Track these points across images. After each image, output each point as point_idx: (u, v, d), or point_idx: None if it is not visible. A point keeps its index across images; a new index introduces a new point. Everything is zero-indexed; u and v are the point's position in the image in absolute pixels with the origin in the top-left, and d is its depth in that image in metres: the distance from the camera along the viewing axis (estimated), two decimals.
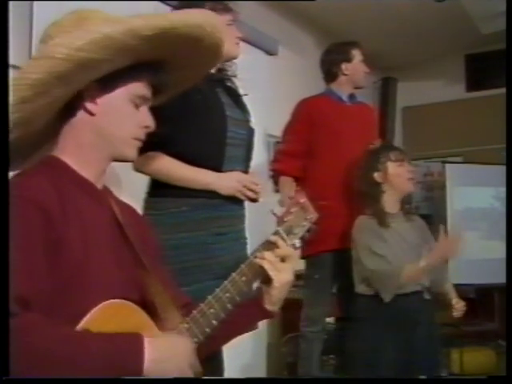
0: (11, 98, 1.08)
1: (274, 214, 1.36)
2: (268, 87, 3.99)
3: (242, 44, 3.63)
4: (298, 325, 3.12)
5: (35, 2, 2.57)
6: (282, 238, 1.33)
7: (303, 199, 1.40)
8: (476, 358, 4.51)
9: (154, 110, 1.95)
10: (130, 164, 2.07)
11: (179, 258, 1.95)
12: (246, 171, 2.16)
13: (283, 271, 1.31)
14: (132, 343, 1.07)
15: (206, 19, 1.29)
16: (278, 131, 3.40)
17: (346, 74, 3.14)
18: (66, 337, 1.04)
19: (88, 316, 1.08)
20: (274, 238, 1.33)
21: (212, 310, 1.28)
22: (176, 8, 2.16)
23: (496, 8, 4.81)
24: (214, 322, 1.27)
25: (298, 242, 1.35)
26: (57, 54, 1.07)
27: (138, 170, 2.01)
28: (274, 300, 1.34)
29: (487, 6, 4.77)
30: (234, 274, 1.32)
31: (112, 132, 1.23)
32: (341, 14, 4.70)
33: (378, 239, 2.55)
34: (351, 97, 3.19)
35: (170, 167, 1.98)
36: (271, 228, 3.62)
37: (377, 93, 6.13)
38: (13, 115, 1.10)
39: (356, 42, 3.21)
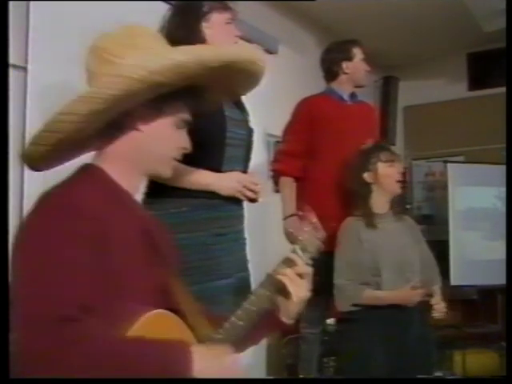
0: (79, 108, 1.15)
1: (290, 233, 1.59)
2: (268, 86, 3.93)
3: (241, 43, 3.63)
4: (297, 326, 3.09)
5: (32, 2, 2.53)
6: (299, 256, 1.40)
7: (315, 219, 1.49)
8: (479, 360, 4.48)
9: None
10: None
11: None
12: (245, 171, 2.14)
13: (301, 287, 1.39)
14: (182, 351, 1.12)
15: (261, 56, 1.43)
16: (277, 131, 3.36)
17: (346, 73, 3.11)
18: (124, 342, 1.09)
19: (136, 324, 1.12)
20: (292, 256, 1.40)
21: (241, 323, 1.33)
22: (174, 7, 2.14)
23: (498, 6, 4.77)
24: (242, 333, 1.33)
25: (310, 260, 1.43)
26: (134, 75, 1.15)
27: None
28: (290, 314, 1.42)
29: (489, 4, 4.73)
30: (258, 288, 1.38)
31: (154, 150, 1.30)
32: (342, 13, 4.66)
33: (357, 248, 2.57)
34: (352, 96, 3.16)
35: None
36: (270, 228, 3.59)
37: (378, 92, 6.10)
38: (74, 124, 1.17)
39: (356, 41, 3.18)
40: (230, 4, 2.19)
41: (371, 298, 2.50)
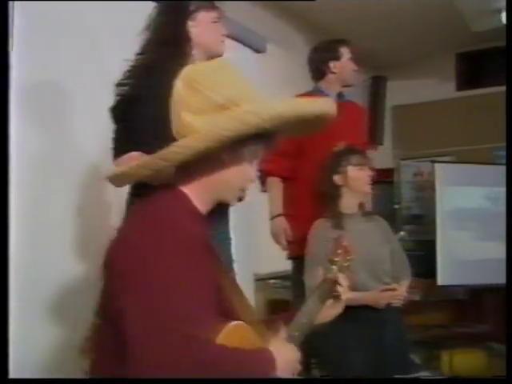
0: (197, 145, 1.30)
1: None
2: (256, 85, 3.94)
3: (229, 41, 3.61)
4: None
5: (16, 2, 2.50)
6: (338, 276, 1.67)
7: (345, 242, 1.75)
8: (466, 360, 4.49)
9: (134, 110, 1.92)
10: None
11: None
12: None
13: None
14: (268, 358, 1.33)
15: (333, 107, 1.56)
16: None
17: (334, 72, 3.10)
18: (223, 350, 1.25)
19: (221, 334, 1.27)
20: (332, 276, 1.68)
21: (305, 320, 1.55)
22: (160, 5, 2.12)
23: (487, 6, 4.79)
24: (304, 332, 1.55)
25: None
26: (251, 122, 1.29)
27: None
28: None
29: (478, 4, 4.74)
30: (316, 291, 1.63)
31: (230, 181, 1.43)
32: (330, 12, 4.66)
33: (325, 249, 2.58)
34: (340, 95, 3.14)
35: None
36: (257, 228, 3.57)
37: (366, 91, 6.11)
38: (186, 156, 1.32)
39: (344, 40, 3.17)
40: (217, 3, 2.19)
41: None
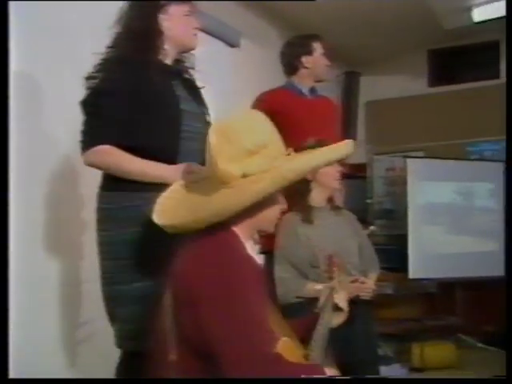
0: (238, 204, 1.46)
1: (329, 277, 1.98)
2: (230, 79, 3.94)
3: (203, 35, 3.59)
4: None
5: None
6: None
7: (335, 259, 2.04)
8: (437, 352, 4.55)
9: (104, 103, 1.90)
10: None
11: (131, 254, 1.93)
12: (202, 164, 2.10)
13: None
14: (321, 371, 1.49)
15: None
16: None
17: (306, 67, 3.11)
18: (295, 366, 1.45)
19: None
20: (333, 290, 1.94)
21: (325, 331, 1.81)
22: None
23: (458, 4, 4.85)
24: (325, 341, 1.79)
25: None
26: (288, 176, 1.50)
27: (89, 164, 1.97)
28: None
29: (450, 2, 4.79)
30: (327, 304, 1.90)
31: (272, 215, 1.64)
32: (304, 8, 4.66)
33: (294, 243, 2.65)
34: (312, 90, 3.16)
35: (120, 160, 1.94)
36: None
37: (340, 87, 6.13)
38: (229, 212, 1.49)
39: (317, 35, 3.18)
40: None
41: (312, 291, 2.53)
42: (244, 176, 1.47)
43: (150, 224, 1.94)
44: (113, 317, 2.00)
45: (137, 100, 1.94)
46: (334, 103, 3.42)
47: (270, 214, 1.62)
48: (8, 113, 1.34)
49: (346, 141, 1.72)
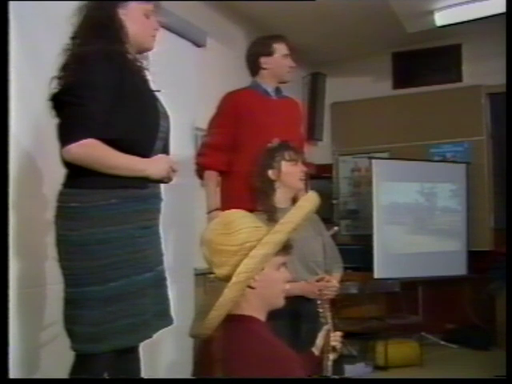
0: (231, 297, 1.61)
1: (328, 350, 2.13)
2: (196, 79, 3.92)
3: (169, 35, 3.58)
4: None
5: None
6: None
7: (331, 334, 2.18)
8: (400, 350, 4.62)
9: (89, 94, 1.87)
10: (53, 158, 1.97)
11: (106, 253, 1.90)
12: None
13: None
14: None
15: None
16: (205, 124, 3.33)
17: (265, 68, 3.10)
18: None
19: None
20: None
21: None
22: None
23: (421, 8, 4.93)
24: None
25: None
26: (281, 239, 1.67)
27: (71, 158, 1.89)
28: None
29: (413, 6, 4.86)
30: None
31: (278, 290, 1.78)
32: (270, 8, 4.68)
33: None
34: (277, 91, 3.15)
35: (106, 154, 1.90)
36: (195, 222, 3.52)
37: (306, 88, 6.17)
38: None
39: (280, 36, 3.14)
40: None
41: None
42: (231, 275, 1.61)
43: (129, 222, 1.95)
44: (73, 319, 1.92)
45: (120, 97, 1.92)
46: (298, 104, 3.42)
47: (275, 292, 1.76)
48: (8, 113, 1.30)
49: (310, 194, 1.82)
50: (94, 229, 1.89)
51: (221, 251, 1.64)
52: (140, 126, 1.98)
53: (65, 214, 1.94)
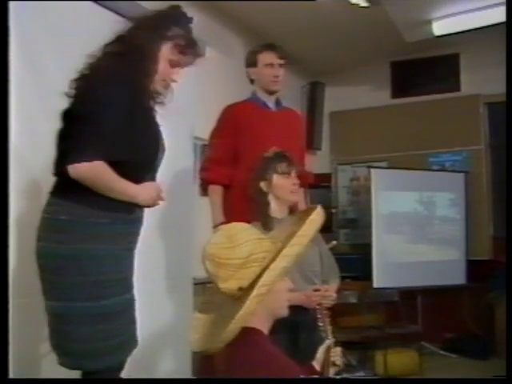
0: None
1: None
2: (195, 89, 3.93)
3: None
4: None
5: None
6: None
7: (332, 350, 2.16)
8: (399, 360, 4.60)
9: (108, 118, 1.87)
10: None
11: (98, 270, 1.89)
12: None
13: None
14: None
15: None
16: (204, 133, 3.34)
17: (252, 79, 3.12)
18: None
19: None
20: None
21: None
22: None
23: (419, 17, 4.95)
24: None
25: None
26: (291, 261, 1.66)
27: (78, 177, 1.86)
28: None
29: (411, 16, 4.89)
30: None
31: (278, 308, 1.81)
32: (270, 17, 4.69)
33: None
34: (277, 102, 3.15)
35: (109, 178, 1.89)
36: (196, 232, 3.50)
37: (305, 97, 6.18)
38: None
39: (267, 46, 3.12)
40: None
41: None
42: (240, 288, 1.63)
43: (116, 243, 1.96)
44: (61, 335, 1.90)
45: (127, 117, 1.91)
46: (299, 116, 3.42)
47: (279, 301, 1.78)
48: (8, 113, 1.29)
49: (319, 208, 1.80)
50: (84, 244, 1.88)
51: (226, 265, 1.64)
52: (141, 153, 1.98)
53: (53, 225, 1.91)
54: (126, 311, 1.98)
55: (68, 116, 1.95)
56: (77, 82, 1.96)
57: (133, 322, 2.03)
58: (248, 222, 1.83)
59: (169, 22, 2.08)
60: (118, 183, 1.92)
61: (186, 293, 3.69)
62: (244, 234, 1.69)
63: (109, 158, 1.88)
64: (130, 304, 2.02)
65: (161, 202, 2.10)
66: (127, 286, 2.01)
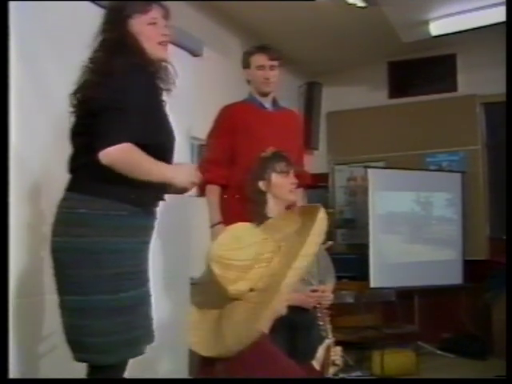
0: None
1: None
2: (192, 89, 3.93)
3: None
4: None
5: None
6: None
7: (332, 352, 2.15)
8: (396, 359, 4.61)
9: (130, 102, 1.89)
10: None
11: (116, 263, 1.91)
12: None
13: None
14: None
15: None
16: (202, 133, 3.35)
17: (248, 80, 3.14)
18: None
19: None
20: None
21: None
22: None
23: (416, 18, 4.96)
24: None
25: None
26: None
27: (110, 162, 1.87)
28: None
29: (408, 16, 4.89)
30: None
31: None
32: (266, 17, 4.69)
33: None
34: (274, 103, 3.15)
35: (141, 160, 1.91)
36: (192, 232, 3.51)
37: (302, 97, 6.17)
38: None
39: (260, 47, 3.13)
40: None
41: None
42: (252, 289, 1.61)
43: (135, 236, 1.97)
44: (79, 329, 1.89)
45: (147, 100, 1.95)
46: (297, 115, 3.42)
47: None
48: (8, 113, 1.29)
49: (322, 208, 1.78)
50: (103, 237, 1.89)
51: (235, 266, 1.62)
52: (163, 136, 2.02)
53: (71, 219, 1.92)
54: (142, 305, 2.00)
55: (83, 111, 1.97)
56: (86, 76, 1.98)
57: (149, 316, 2.04)
58: (245, 222, 1.82)
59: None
60: (152, 165, 1.93)
61: (184, 292, 3.69)
62: (250, 234, 1.69)
63: (138, 141, 1.89)
64: (146, 298, 2.03)
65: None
66: (144, 280, 2.03)
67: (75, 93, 2.00)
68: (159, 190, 2.05)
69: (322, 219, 1.73)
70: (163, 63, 2.12)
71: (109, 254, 1.89)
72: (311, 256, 1.64)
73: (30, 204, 2.70)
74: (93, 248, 1.88)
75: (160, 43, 2.09)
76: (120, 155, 1.86)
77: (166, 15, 2.13)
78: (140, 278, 2.00)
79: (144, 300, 2.02)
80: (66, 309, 1.93)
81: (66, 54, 2.64)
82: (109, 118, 1.87)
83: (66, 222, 1.93)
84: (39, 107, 2.65)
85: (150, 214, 2.06)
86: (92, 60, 2.01)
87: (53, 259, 1.96)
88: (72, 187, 1.98)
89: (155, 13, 2.09)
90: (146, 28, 2.06)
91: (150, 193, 2.00)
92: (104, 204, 1.91)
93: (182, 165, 2.09)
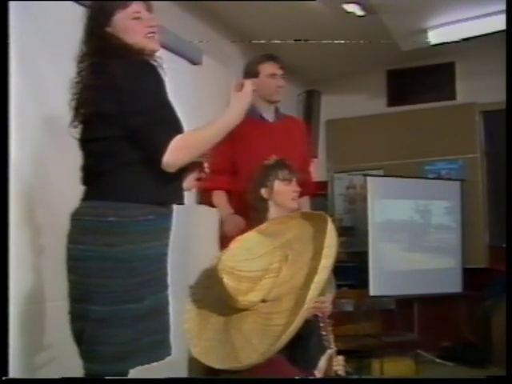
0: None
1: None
2: (191, 97, 3.93)
3: (165, 52, 3.58)
4: None
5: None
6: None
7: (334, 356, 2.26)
8: (396, 368, 4.60)
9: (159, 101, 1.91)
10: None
11: (145, 270, 1.87)
12: None
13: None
14: None
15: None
16: None
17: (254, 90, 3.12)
18: None
19: None
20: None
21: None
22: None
23: (415, 26, 4.97)
24: None
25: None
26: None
27: (180, 161, 1.88)
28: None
29: (407, 24, 4.91)
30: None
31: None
32: (266, 25, 4.71)
33: None
34: (275, 113, 3.14)
35: (197, 135, 1.97)
36: (193, 240, 3.50)
37: (301, 105, 6.18)
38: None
39: (267, 56, 3.12)
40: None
41: None
42: (264, 300, 1.63)
43: (159, 239, 1.94)
44: (99, 339, 1.82)
45: (165, 92, 1.97)
46: (300, 122, 3.40)
47: None
48: (8, 113, 1.27)
49: (329, 227, 1.76)
50: (134, 245, 1.85)
51: (247, 278, 1.63)
52: (181, 128, 1.99)
53: (99, 228, 1.85)
54: (164, 309, 1.96)
55: (103, 118, 1.90)
56: (90, 92, 1.92)
57: (167, 322, 1.99)
58: (248, 229, 1.82)
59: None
60: (210, 128, 2.00)
61: (183, 300, 3.68)
62: (260, 245, 1.69)
63: (177, 132, 1.90)
64: (167, 302, 1.99)
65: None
66: (166, 283, 1.99)
67: (79, 107, 1.95)
68: (179, 185, 2.02)
69: (331, 230, 1.73)
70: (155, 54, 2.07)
71: (139, 261, 1.85)
72: (329, 268, 1.64)
73: (30, 212, 2.70)
74: (124, 257, 1.83)
75: (147, 35, 2.02)
76: (182, 151, 1.87)
77: (149, 8, 2.07)
78: (163, 282, 1.97)
79: (165, 304, 1.98)
80: (89, 319, 1.84)
81: (64, 59, 2.63)
82: (145, 128, 1.86)
83: (93, 230, 1.85)
84: (37, 114, 2.65)
85: (171, 214, 2.02)
86: (92, 72, 1.95)
87: (75, 268, 1.89)
88: (91, 195, 1.93)
89: (137, 7, 2.01)
90: (130, 23, 2.00)
91: (174, 189, 1.98)
92: (132, 209, 1.86)
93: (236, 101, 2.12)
